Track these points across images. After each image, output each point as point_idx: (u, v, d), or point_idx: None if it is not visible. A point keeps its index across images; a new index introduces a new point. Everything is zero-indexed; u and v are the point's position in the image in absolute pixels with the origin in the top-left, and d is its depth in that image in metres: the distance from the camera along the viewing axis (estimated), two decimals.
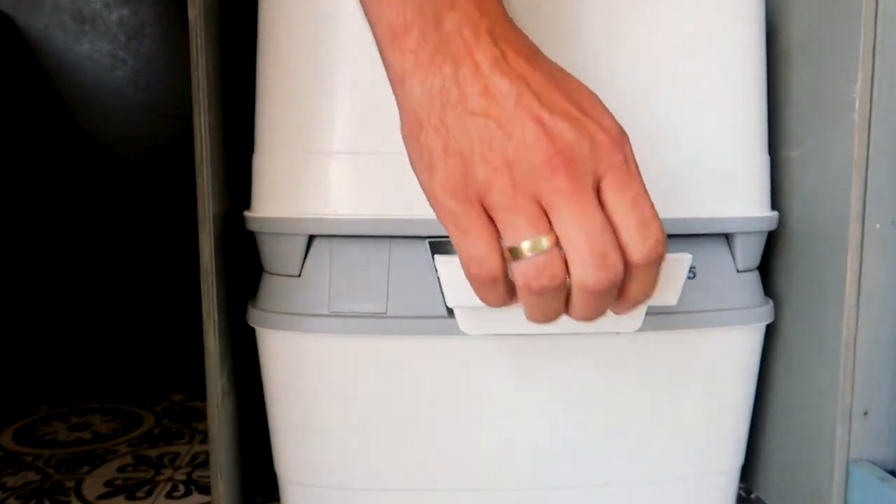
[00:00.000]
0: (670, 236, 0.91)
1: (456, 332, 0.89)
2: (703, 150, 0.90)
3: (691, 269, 0.93)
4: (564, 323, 0.69)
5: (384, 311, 0.89)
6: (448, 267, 0.76)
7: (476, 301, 0.69)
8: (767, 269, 1.07)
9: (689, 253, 0.92)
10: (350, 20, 0.86)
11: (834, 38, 0.93)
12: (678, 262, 0.77)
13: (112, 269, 1.76)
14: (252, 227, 0.92)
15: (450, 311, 0.90)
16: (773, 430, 1.08)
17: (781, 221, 1.03)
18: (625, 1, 0.87)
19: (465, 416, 0.92)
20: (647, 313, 0.90)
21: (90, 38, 1.63)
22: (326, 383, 0.91)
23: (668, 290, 0.77)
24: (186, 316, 1.65)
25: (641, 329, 0.90)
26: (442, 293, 0.86)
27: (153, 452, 1.32)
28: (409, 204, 0.86)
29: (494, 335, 0.91)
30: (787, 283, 1.04)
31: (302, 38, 0.88)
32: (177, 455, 1.31)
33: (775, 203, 1.02)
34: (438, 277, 0.85)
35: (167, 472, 1.24)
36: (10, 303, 1.73)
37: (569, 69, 0.86)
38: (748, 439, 1.02)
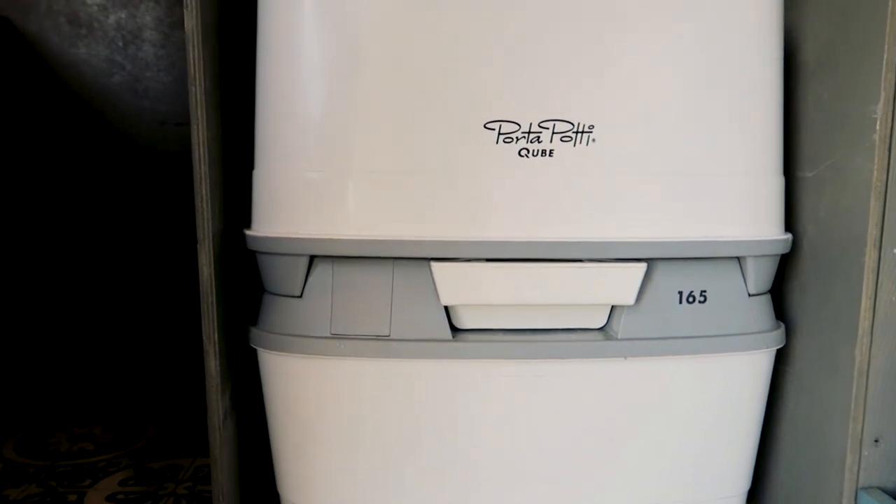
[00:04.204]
0: (681, 259, 0.90)
1: (460, 355, 0.87)
2: (716, 172, 0.88)
3: (702, 292, 0.90)
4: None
5: (387, 333, 0.86)
6: (442, 271, 0.84)
7: (467, 300, 0.85)
8: (779, 290, 1.04)
9: (700, 276, 0.91)
10: (355, 38, 0.84)
11: (854, 56, 0.90)
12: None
13: (114, 277, 1.74)
14: (252, 246, 0.89)
15: (454, 333, 0.88)
16: (781, 454, 1.05)
17: (795, 242, 1.00)
18: (638, 20, 0.84)
19: (467, 440, 0.90)
20: (654, 338, 0.89)
21: (86, 42, 1.60)
22: (328, 406, 0.89)
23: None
24: (189, 326, 1.63)
25: (650, 355, 0.89)
26: (437, 294, 0.86)
27: (155, 465, 1.30)
28: (413, 224, 0.84)
29: (488, 330, 0.90)
30: (800, 305, 1.01)
31: (303, 56, 0.85)
32: (179, 468, 1.29)
33: (789, 223, 0.99)
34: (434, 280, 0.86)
35: (169, 486, 1.22)
36: (12, 316, 1.71)
37: (580, 89, 0.85)
38: (755, 463, 1.00)
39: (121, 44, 1.60)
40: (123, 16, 1.59)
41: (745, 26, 0.88)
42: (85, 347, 1.75)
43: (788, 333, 1.01)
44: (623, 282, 0.87)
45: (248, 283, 0.98)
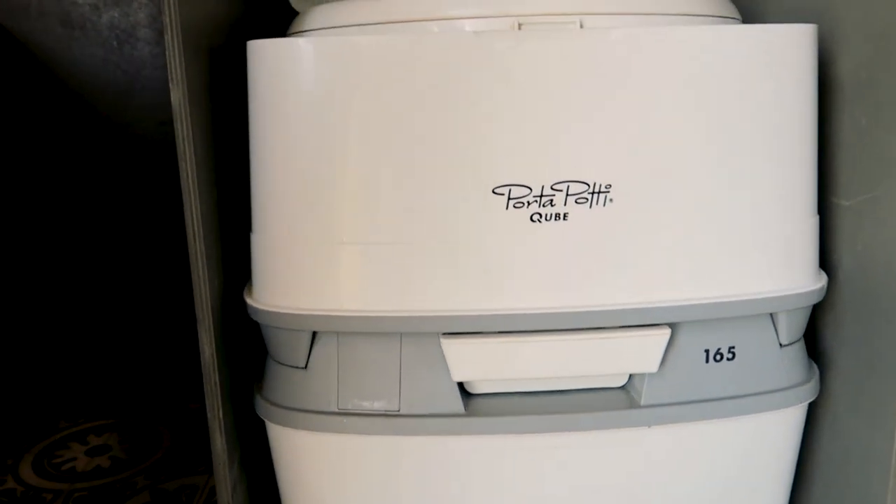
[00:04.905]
0: (708, 320, 0.84)
1: (474, 430, 0.83)
2: (745, 224, 0.81)
3: (730, 349, 0.85)
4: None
5: (397, 408, 0.83)
6: (452, 347, 0.79)
7: (478, 375, 0.83)
8: (813, 325, 0.97)
9: (728, 332, 0.85)
10: (353, 103, 0.77)
11: None
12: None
13: (123, 276, 1.72)
14: (253, 316, 0.85)
15: (466, 398, 0.84)
16: None
17: (830, 274, 0.93)
18: (652, 70, 0.77)
19: None
20: (679, 403, 0.84)
21: (80, 43, 1.52)
22: (338, 480, 0.86)
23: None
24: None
25: (675, 422, 0.84)
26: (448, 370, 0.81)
27: (170, 486, 1.29)
28: (420, 298, 0.79)
29: (502, 394, 0.86)
30: (835, 337, 0.95)
31: (298, 122, 0.78)
32: (195, 489, 1.28)
33: (823, 251, 0.92)
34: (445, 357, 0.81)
35: None
36: (23, 316, 1.70)
37: (594, 147, 0.77)
38: None
39: (115, 43, 1.52)
40: (116, 15, 1.51)
41: (775, 68, 0.79)
42: (96, 347, 1.75)
43: (822, 368, 0.95)
44: (645, 350, 0.81)
45: (254, 340, 0.94)
